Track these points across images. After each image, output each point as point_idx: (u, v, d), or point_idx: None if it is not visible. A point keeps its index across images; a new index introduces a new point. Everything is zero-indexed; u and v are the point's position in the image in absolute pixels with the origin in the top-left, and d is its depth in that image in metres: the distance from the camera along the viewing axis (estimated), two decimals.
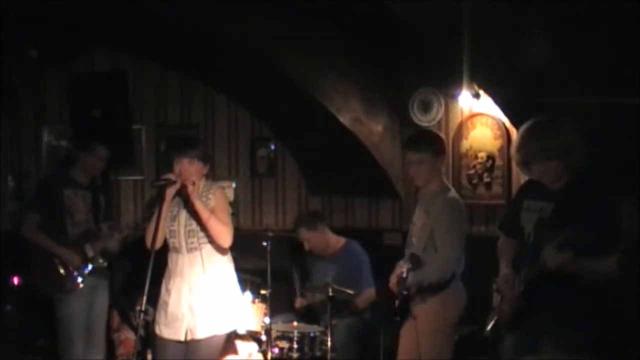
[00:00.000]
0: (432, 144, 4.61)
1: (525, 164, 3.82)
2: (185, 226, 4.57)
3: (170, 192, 4.51)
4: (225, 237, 4.55)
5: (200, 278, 4.54)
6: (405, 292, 4.44)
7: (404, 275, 4.41)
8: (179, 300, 4.53)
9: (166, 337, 4.55)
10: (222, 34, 5.89)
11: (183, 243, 4.56)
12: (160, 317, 4.59)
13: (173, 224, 4.60)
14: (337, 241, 6.13)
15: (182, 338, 4.52)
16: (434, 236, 4.45)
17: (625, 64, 4.38)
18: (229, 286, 4.66)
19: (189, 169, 4.54)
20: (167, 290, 4.59)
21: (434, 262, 4.44)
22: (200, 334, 4.50)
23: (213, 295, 4.55)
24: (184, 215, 4.59)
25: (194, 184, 4.51)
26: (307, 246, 6.09)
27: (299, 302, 6.15)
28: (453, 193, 4.59)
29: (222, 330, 4.59)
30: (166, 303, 4.56)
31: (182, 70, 7.06)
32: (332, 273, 5.83)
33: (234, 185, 7.01)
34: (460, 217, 4.53)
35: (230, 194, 4.82)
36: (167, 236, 4.61)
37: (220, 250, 4.62)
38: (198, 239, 4.56)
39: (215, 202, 4.59)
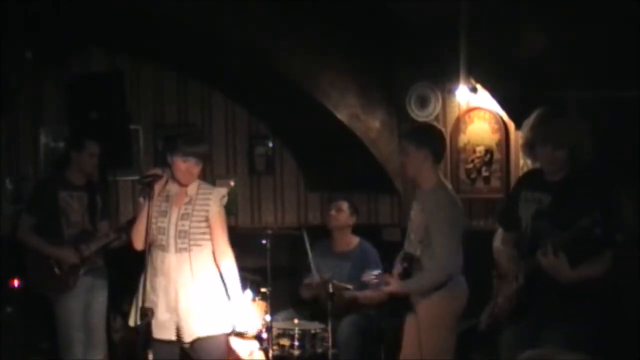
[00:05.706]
0: (433, 141, 4.50)
1: (532, 147, 3.79)
2: (177, 226, 4.40)
3: (158, 187, 4.36)
4: (225, 256, 4.48)
5: (187, 280, 4.39)
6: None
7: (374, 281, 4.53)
8: (166, 300, 4.39)
9: (158, 337, 4.36)
10: (217, 32, 5.88)
11: (172, 242, 4.38)
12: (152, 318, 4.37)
13: (163, 220, 4.42)
14: (351, 238, 6.11)
15: (173, 338, 4.41)
16: (430, 234, 4.41)
17: (623, 57, 4.38)
18: (217, 288, 4.49)
19: (195, 169, 4.41)
20: (153, 289, 4.41)
21: (427, 271, 4.41)
22: (187, 337, 4.40)
23: (200, 298, 4.41)
24: (175, 213, 4.42)
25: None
26: (334, 220, 6.02)
27: (311, 280, 5.87)
28: (448, 190, 4.50)
29: (212, 331, 4.43)
30: (154, 303, 4.38)
31: (179, 69, 7.05)
32: (346, 272, 5.81)
33: (232, 183, 6.99)
34: (455, 214, 4.43)
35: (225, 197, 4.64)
36: (154, 232, 4.38)
37: (210, 253, 4.49)
38: (189, 240, 4.40)
39: (214, 215, 4.43)
